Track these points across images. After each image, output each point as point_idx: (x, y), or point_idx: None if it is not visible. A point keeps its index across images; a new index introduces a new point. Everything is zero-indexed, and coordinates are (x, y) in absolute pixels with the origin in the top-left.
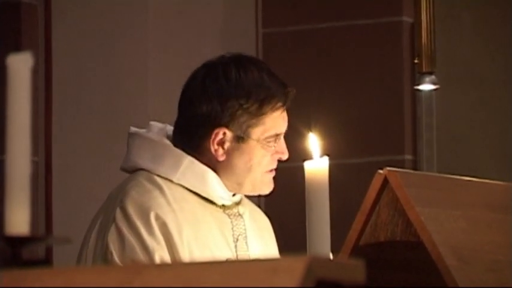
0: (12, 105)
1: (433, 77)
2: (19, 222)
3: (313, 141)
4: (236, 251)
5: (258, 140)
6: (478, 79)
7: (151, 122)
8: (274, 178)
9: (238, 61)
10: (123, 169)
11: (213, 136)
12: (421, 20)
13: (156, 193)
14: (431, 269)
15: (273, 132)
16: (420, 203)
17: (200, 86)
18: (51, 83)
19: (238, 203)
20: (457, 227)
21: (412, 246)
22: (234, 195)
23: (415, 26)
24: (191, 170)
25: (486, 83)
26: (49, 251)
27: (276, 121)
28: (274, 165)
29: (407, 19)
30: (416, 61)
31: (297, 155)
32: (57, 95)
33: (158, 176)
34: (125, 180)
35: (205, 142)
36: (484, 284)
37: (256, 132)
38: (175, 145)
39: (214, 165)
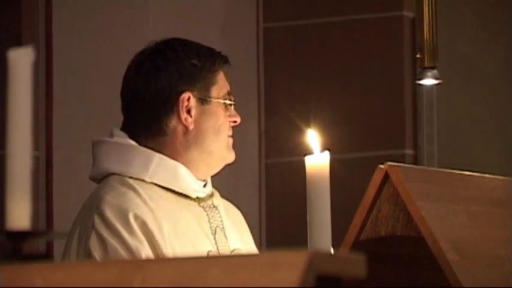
0: (13, 99)
1: (435, 71)
2: (20, 217)
3: (314, 136)
4: (216, 243)
5: (218, 98)
6: (479, 74)
7: (114, 128)
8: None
9: (173, 38)
10: (93, 179)
11: (180, 104)
12: (423, 14)
13: (131, 194)
14: (432, 263)
15: (225, 90)
16: (421, 198)
17: (150, 67)
18: (52, 77)
19: (211, 195)
20: (457, 221)
21: (413, 241)
22: (205, 185)
23: (417, 21)
24: (162, 167)
25: (487, 78)
26: (50, 246)
27: (224, 79)
28: (231, 132)
29: (408, 14)
30: (418, 55)
31: (298, 149)
32: (58, 89)
33: (130, 177)
34: (96, 187)
35: (171, 118)
36: (485, 278)
37: (215, 91)
38: (140, 144)
39: (182, 141)
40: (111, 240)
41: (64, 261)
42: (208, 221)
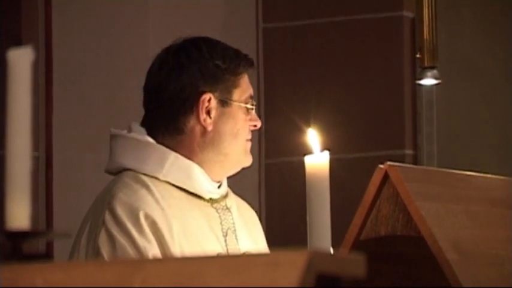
0: (12, 99)
1: (435, 71)
2: (19, 217)
3: (314, 136)
4: (226, 245)
5: (239, 101)
6: (479, 74)
7: (132, 122)
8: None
9: (200, 37)
10: (108, 171)
11: (200, 104)
12: (423, 14)
13: (144, 192)
14: (432, 263)
15: (248, 94)
16: (420, 198)
17: (174, 65)
18: (51, 77)
19: (225, 197)
20: (457, 221)
21: (413, 240)
22: (219, 186)
23: (417, 21)
24: (176, 166)
25: (487, 78)
26: (49, 246)
27: (247, 82)
28: (250, 135)
29: (407, 14)
30: (418, 56)
31: (298, 149)
32: (57, 89)
33: (144, 174)
34: (110, 182)
35: (190, 118)
36: (484, 278)
37: (237, 94)
38: (157, 141)
39: (199, 141)
40: (120, 239)
41: (73, 254)
42: (220, 222)
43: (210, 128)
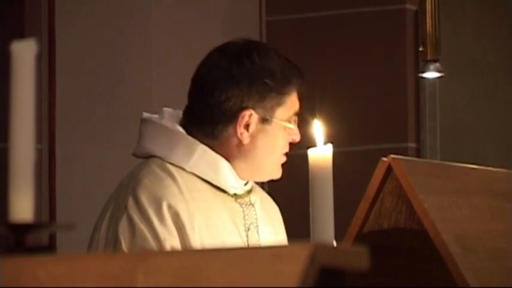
0: (16, 92)
1: (437, 64)
2: (23, 209)
3: (317, 129)
4: (247, 240)
5: (281, 119)
6: (481, 67)
7: (164, 108)
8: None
9: (257, 46)
10: (135, 155)
11: (239, 119)
12: (425, 7)
13: (169, 182)
14: (435, 256)
15: (292, 112)
16: (423, 191)
17: (225, 72)
18: (54, 70)
19: (249, 192)
20: (460, 214)
21: (416, 233)
22: (246, 184)
23: (420, 14)
24: (204, 159)
25: (489, 72)
26: (52, 238)
27: (295, 100)
28: (288, 149)
29: (410, 7)
30: (421, 49)
31: (301, 142)
32: (61, 82)
33: (171, 164)
34: (136, 166)
35: (228, 128)
36: (487, 271)
37: (280, 112)
38: (189, 133)
39: (233, 151)
40: (141, 225)
41: (94, 237)
42: (243, 217)
43: (246, 141)
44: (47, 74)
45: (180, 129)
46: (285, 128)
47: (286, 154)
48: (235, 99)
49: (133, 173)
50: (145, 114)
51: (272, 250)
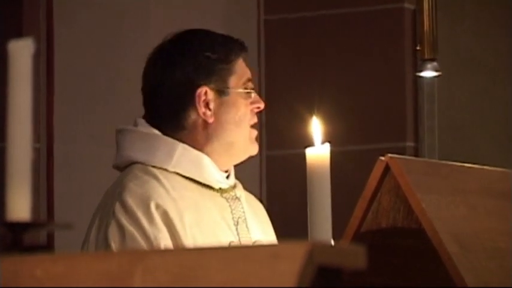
0: (13, 91)
1: (435, 63)
2: (20, 208)
3: (315, 128)
4: (238, 235)
5: (236, 88)
6: (480, 66)
7: (137, 117)
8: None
9: (190, 31)
10: (116, 166)
11: (196, 99)
12: (423, 6)
13: (154, 183)
14: (433, 255)
15: (245, 78)
16: (421, 190)
17: (166, 61)
18: (52, 69)
19: (233, 187)
20: (458, 213)
21: (414, 232)
22: (227, 177)
23: (417, 13)
24: (185, 157)
25: (488, 70)
26: (50, 237)
27: (243, 66)
28: (255, 119)
29: (408, 6)
30: (418, 48)
31: (299, 141)
32: (59, 81)
33: (153, 166)
34: (120, 175)
35: (190, 113)
36: (485, 270)
37: (233, 81)
38: (164, 134)
39: (203, 135)
40: (130, 227)
41: (84, 247)
42: (231, 212)
43: (211, 120)
44: (45, 72)
45: (157, 132)
46: (243, 96)
47: (256, 127)
48: (185, 81)
49: (117, 181)
50: (120, 126)
51: (270, 249)
